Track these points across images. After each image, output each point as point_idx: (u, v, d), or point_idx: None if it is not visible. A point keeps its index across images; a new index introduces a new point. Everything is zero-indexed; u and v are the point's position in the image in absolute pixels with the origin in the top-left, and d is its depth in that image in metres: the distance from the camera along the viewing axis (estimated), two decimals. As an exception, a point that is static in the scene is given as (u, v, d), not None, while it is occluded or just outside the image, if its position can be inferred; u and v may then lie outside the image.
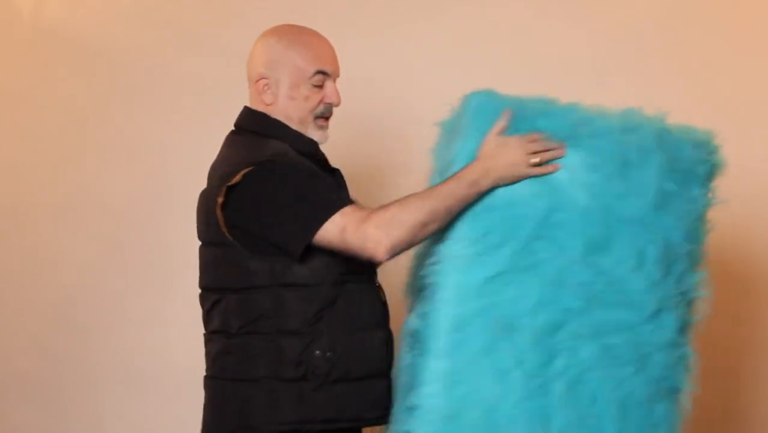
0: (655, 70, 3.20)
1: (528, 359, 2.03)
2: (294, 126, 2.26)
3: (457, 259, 2.06)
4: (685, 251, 2.14)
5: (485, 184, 2.08)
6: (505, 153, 2.08)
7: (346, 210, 2.10)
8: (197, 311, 3.40)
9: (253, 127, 2.27)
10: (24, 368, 3.50)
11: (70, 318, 3.48)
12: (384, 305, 2.28)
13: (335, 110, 2.31)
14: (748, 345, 3.22)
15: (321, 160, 2.28)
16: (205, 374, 2.29)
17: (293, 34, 2.28)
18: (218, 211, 2.15)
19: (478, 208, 2.08)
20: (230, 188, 2.13)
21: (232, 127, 2.32)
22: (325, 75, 2.25)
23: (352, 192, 2.33)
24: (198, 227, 2.26)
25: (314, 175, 2.15)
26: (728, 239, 3.05)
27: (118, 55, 3.43)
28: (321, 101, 2.26)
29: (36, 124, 3.49)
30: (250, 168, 2.12)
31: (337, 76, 2.30)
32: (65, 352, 3.48)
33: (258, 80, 2.26)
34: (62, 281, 3.48)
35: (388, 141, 3.34)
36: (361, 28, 3.34)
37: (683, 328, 2.16)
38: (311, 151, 2.25)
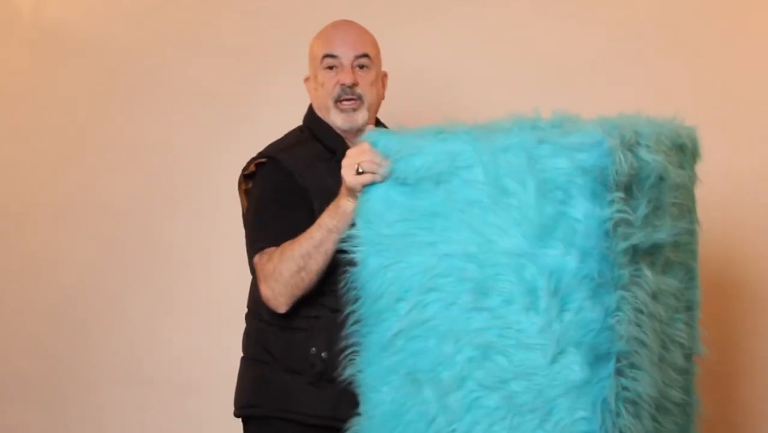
0: (655, 70, 3.19)
1: (438, 416, 1.92)
2: (325, 118, 2.32)
3: (371, 316, 1.99)
4: (582, 275, 1.81)
5: (337, 223, 2.04)
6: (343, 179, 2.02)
7: (257, 258, 2.18)
8: (197, 311, 3.41)
9: (304, 121, 2.38)
10: (24, 368, 3.51)
11: (70, 318, 3.48)
12: None
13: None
14: (738, 348, 3.21)
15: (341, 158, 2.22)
16: None
17: (322, 29, 2.37)
18: (241, 197, 2.31)
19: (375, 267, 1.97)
20: (246, 177, 2.29)
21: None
22: (332, 57, 2.29)
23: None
24: None
25: (276, 198, 2.21)
26: (722, 241, 3.05)
27: (118, 55, 3.43)
28: (336, 84, 2.29)
29: (36, 124, 3.49)
30: (262, 159, 2.26)
31: (356, 58, 2.30)
32: (65, 352, 3.48)
33: (305, 81, 2.37)
34: (62, 281, 3.48)
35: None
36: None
37: (597, 363, 1.83)
38: (332, 146, 2.29)
